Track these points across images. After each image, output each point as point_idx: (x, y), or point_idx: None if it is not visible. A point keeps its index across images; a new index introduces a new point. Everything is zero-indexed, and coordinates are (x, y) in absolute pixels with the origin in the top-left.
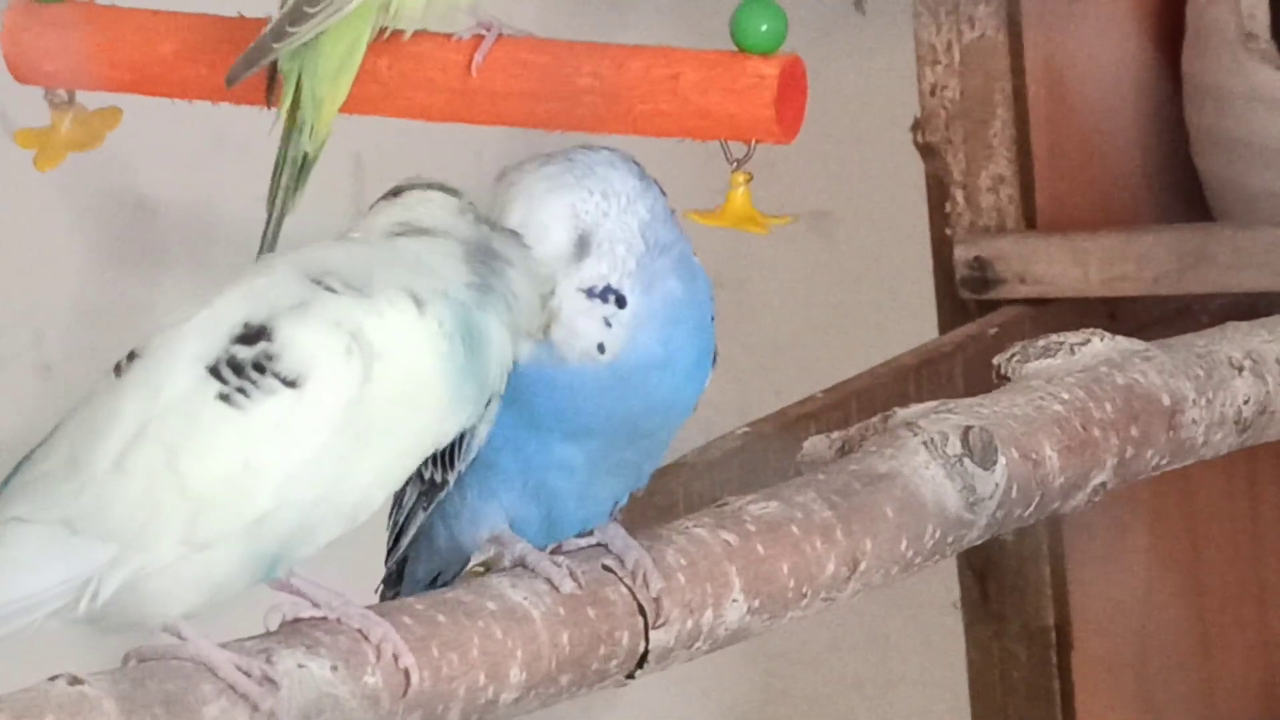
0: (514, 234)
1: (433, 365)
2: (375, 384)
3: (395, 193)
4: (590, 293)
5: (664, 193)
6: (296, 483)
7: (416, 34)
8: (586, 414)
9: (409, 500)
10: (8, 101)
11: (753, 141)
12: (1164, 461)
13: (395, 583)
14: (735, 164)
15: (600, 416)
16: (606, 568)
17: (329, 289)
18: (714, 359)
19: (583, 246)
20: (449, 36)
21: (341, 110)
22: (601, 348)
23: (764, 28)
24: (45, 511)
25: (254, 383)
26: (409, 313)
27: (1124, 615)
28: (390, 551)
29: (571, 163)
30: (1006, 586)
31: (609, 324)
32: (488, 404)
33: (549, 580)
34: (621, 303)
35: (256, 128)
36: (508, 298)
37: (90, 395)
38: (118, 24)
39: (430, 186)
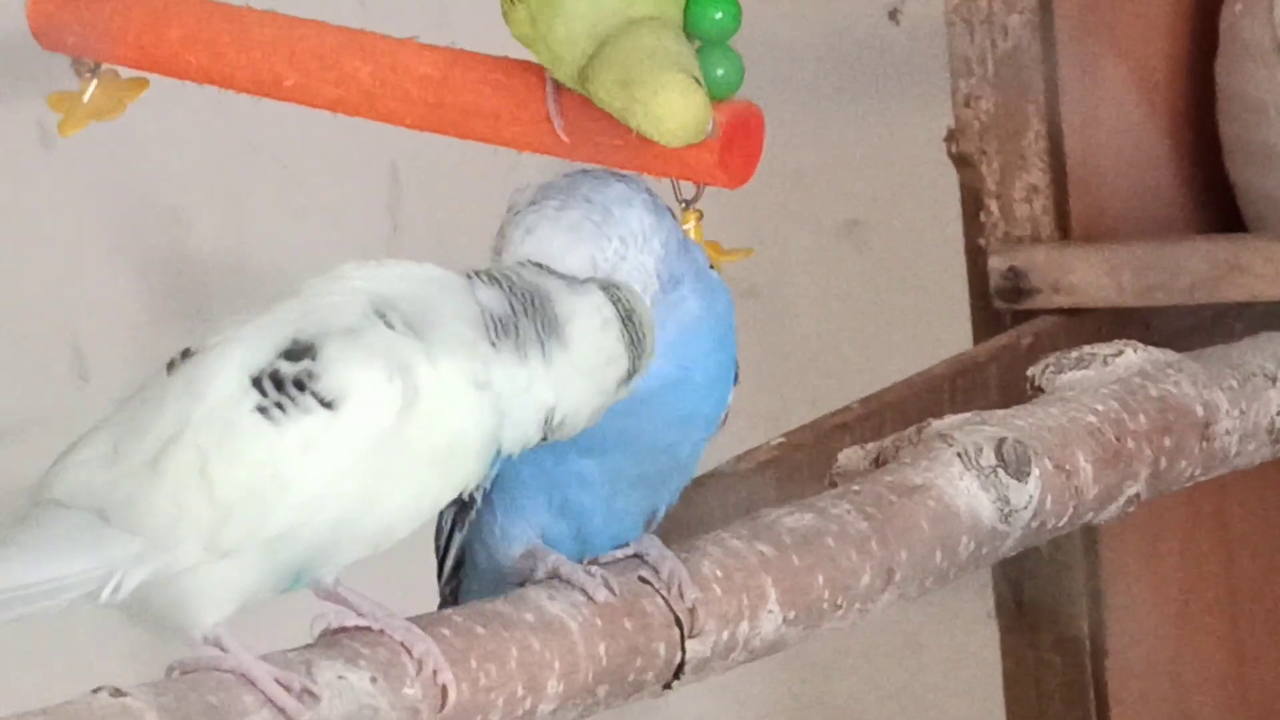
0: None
1: (471, 423)
2: (413, 420)
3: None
4: None
5: (675, 216)
6: (321, 503)
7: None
8: (600, 432)
9: (446, 522)
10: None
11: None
12: (1197, 472)
13: (452, 605)
14: (685, 203)
15: (615, 433)
16: (642, 579)
17: (388, 324)
18: (736, 371)
19: None
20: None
21: (326, 109)
22: None
23: (720, 72)
24: (82, 498)
25: (292, 399)
26: (462, 370)
27: (1158, 624)
28: (440, 575)
29: (590, 206)
30: (1041, 596)
31: None
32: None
33: (583, 589)
34: None
35: (290, 135)
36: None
37: (142, 388)
38: (134, 4)
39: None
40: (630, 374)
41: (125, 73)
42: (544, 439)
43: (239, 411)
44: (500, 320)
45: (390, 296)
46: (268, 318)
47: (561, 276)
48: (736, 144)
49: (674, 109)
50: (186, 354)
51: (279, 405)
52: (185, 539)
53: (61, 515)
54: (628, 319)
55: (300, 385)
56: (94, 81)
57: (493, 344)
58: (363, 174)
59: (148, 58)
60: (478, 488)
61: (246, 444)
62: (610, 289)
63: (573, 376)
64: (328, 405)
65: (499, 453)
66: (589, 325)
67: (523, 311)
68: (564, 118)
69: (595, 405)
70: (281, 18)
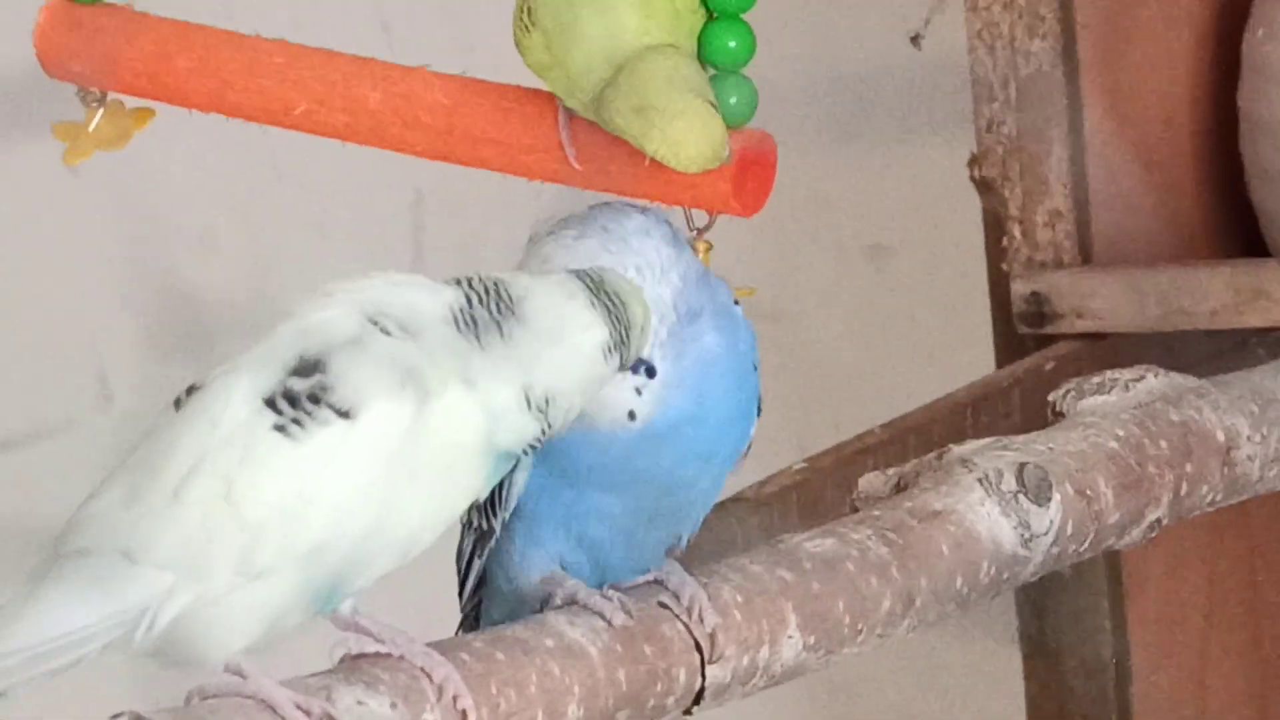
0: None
1: (472, 422)
2: (427, 420)
3: (607, 312)
4: None
5: (695, 250)
6: (349, 513)
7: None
8: (618, 470)
9: (466, 548)
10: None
11: (715, 212)
12: (1219, 498)
13: (473, 626)
14: (695, 232)
15: (632, 471)
16: (662, 604)
17: (384, 330)
18: (759, 407)
19: None
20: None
21: (336, 137)
22: (632, 415)
23: (733, 100)
24: (105, 542)
25: (309, 413)
26: (456, 370)
27: (1182, 649)
28: (460, 595)
29: (607, 235)
30: (1064, 620)
31: (639, 393)
32: (524, 451)
33: (600, 613)
34: (651, 373)
35: (315, 160)
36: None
37: (151, 429)
38: (140, 33)
39: (624, 342)
40: (617, 343)
41: (131, 102)
42: (548, 428)
43: (257, 432)
44: (462, 314)
45: (379, 305)
46: (267, 342)
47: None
48: (751, 172)
49: (692, 135)
50: (192, 390)
51: (296, 421)
52: (217, 566)
53: (85, 563)
54: (598, 290)
55: (315, 399)
56: (100, 111)
57: (465, 340)
58: (387, 199)
59: (155, 86)
60: (493, 508)
61: (269, 463)
62: (578, 271)
63: (539, 350)
64: (345, 415)
65: (505, 454)
66: (547, 297)
67: (478, 300)
68: (576, 145)
69: (581, 376)
70: (290, 46)
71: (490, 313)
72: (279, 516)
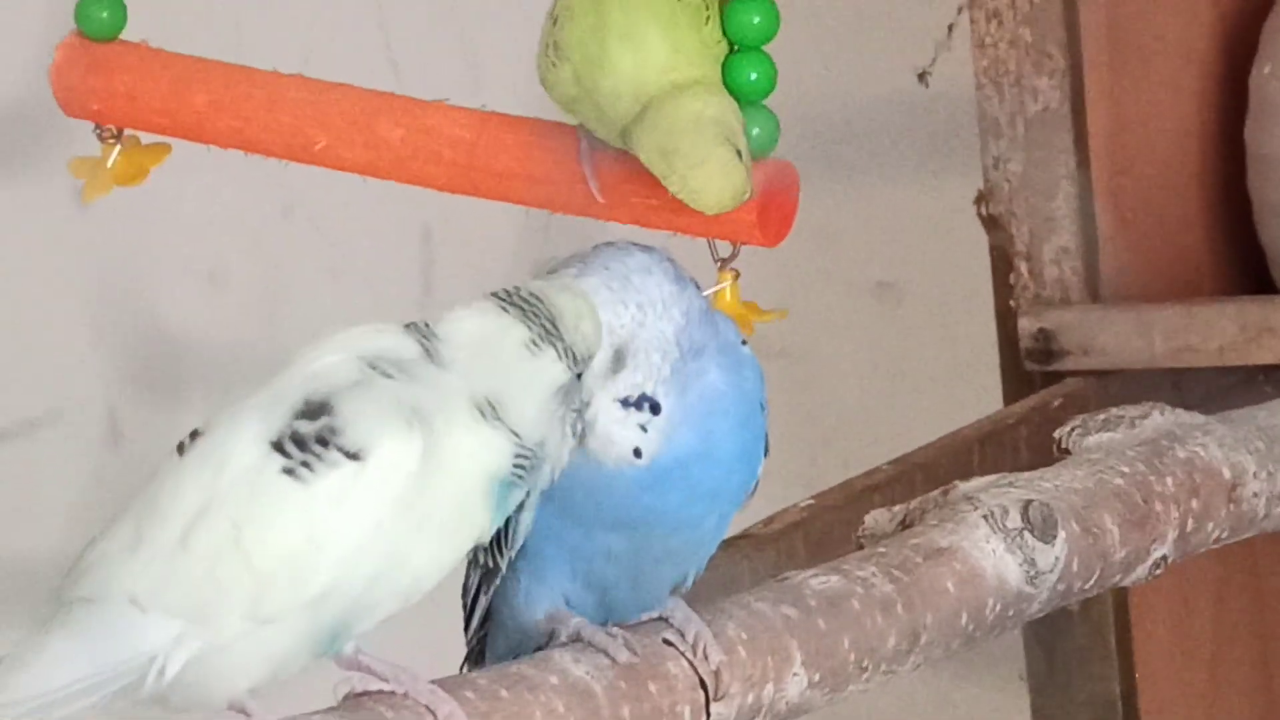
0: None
1: (477, 461)
2: (434, 462)
3: (523, 312)
4: (625, 402)
5: (700, 288)
6: (358, 557)
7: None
8: (625, 508)
9: (472, 585)
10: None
11: (738, 243)
12: (1225, 535)
13: (478, 660)
14: (720, 263)
15: (639, 510)
16: (667, 641)
17: (385, 374)
18: (766, 446)
19: (618, 359)
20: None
21: (357, 172)
22: (638, 452)
23: (755, 132)
24: (112, 589)
25: (317, 456)
26: (463, 403)
27: (1190, 684)
28: (466, 630)
29: (608, 273)
30: (1072, 657)
31: (644, 429)
32: (528, 492)
33: (604, 651)
34: (656, 409)
35: (324, 198)
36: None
37: (155, 474)
38: (158, 70)
39: (552, 333)
40: (542, 336)
41: (145, 138)
42: (518, 438)
43: (265, 476)
44: (430, 351)
45: (373, 350)
46: (270, 388)
47: None
48: (774, 203)
49: (713, 184)
50: (195, 435)
51: (305, 464)
52: (226, 611)
53: (91, 610)
54: (509, 296)
55: (323, 441)
56: (117, 147)
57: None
58: (396, 236)
59: (174, 123)
60: (500, 546)
61: (279, 507)
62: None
63: (466, 361)
64: (354, 457)
65: (507, 483)
66: (457, 316)
67: (421, 336)
68: (598, 178)
69: (516, 376)
70: (310, 81)
71: (421, 344)
72: (288, 561)
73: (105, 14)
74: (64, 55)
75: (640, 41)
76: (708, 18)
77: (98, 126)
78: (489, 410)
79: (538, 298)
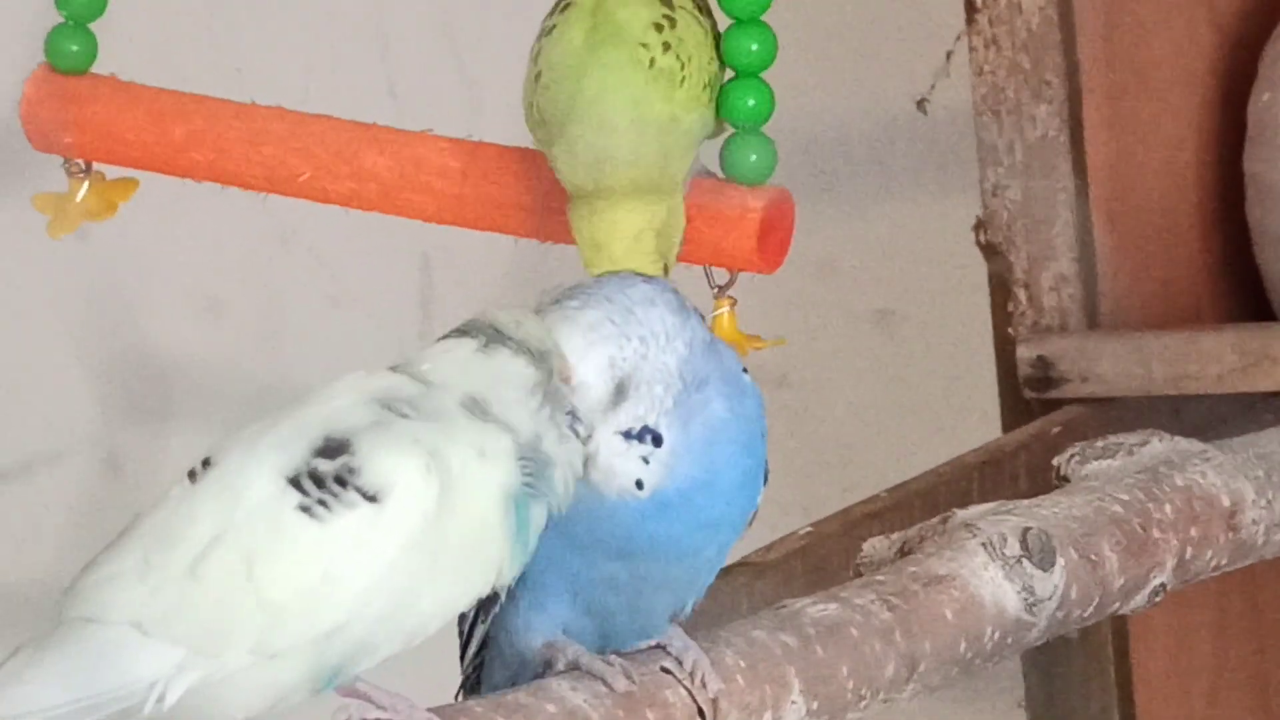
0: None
1: (498, 502)
2: (450, 506)
3: (465, 331)
4: (628, 435)
5: (703, 318)
6: (370, 598)
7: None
8: (626, 539)
9: (470, 612)
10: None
11: (736, 269)
12: (1224, 562)
13: (474, 688)
14: (717, 290)
15: (642, 540)
16: (665, 669)
17: (401, 415)
18: (766, 474)
19: (620, 392)
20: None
21: (342, 204)
22: (640, 484)
23: (753, 158)
24: (115, 612)
25: (335, 495)
26: (478, 446)
27: (1190, 714)
28: (462, 658)
29: (610, 305)
30: (1071, 685)
31: (646, 461)
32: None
33: (602, 679)
34: (658, 441)
35: (323, 227)
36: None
37: (164, 499)
38: (133, 103)
39: (498, 336)
40: (491, 339)
41: (112, 172)
42: (531, 459)
43: (282, 512)
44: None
45: (386, 391)
46: (287, 422)
47: None
48: (772, 230)
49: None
50: (207, 463)
51: (322, 503)
52: (233, 644)
53: (93, 631)
54: (468, 328)
55: (342, 481)
56: (85, 183)
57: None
58: (395, 265)
59: (150, 157)
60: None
61: (293, 543)
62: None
63: (451, 386)
64: (372, 499)
65: (524, 506)
66: (435, 350)
67: (410, 375)
68: None
69: (485, 380)
70: (290, 113)
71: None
72: (300, 599)
73: (76, 47)
74: (34, 89)
75: (610, 130)
76: (683, 78)
77: (67, 161)
78: (477, 410)
79: (487, 318)
